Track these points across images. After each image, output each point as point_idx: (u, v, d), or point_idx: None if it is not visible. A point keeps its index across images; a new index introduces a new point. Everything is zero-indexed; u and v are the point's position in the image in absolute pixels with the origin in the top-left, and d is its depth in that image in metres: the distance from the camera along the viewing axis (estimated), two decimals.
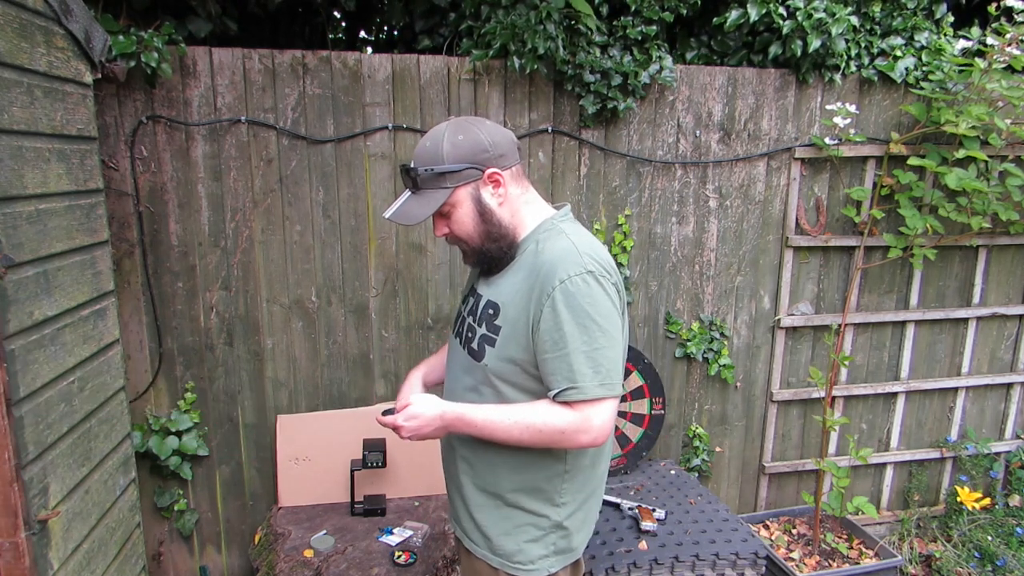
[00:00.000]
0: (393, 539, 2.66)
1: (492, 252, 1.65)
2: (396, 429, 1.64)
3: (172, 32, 2.53)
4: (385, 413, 1.71)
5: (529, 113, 2.95)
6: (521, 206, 1.66)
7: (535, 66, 2.77)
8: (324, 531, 2.71)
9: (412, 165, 1.61)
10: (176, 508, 2.90)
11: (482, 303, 1.69)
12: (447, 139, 1.58)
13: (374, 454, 2.80)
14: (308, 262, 2.87)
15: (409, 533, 2.70)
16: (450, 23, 3.08)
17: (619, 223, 3.11)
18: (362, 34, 3.89)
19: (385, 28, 3.81)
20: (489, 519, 1.72)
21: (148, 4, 2.66)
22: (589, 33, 2.86)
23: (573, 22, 2.82)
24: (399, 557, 2.54)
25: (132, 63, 2.44)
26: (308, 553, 2.57)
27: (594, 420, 1.52)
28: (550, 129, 2.97)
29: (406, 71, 2.82)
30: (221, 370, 2.87)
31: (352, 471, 2.83)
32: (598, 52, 2.89)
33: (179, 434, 2.82)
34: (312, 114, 2.77)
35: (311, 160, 2.80)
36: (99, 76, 2.22)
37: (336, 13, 3.73)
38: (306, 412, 2.97)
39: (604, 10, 2.91)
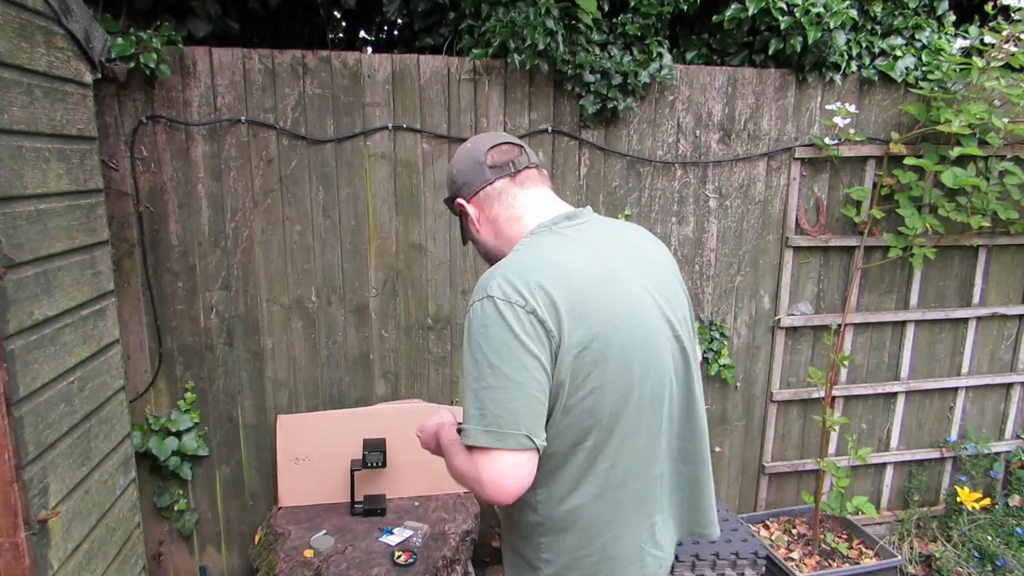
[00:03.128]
0: (393, 539, 2.66)
1: (491, 263, 1.59)
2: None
3: (171, 33, 2.53)
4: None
5: (529, 113, 2.95)
6: (504, 225, 1.53)
7: (535, 62, 2.76)
8: (324, 531, 2.71)
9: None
10: (176, 508, 2.90)
11: None
12: (456, 165, 1.60)
13: (374, 454, 2.80)
14: (308, 262, 2.87)
15: (409, 533, 2.70)
16: (450, 22, 3.08)
17: None
18: (362, 34, 3.89)
19: (385, 28, 3.81)
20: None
21: (149, 5, 2.66)
22: (589, 31, 2.86)
23: (573, 21, 2.82)
24: (399, 557, 2.54)
25: (132, 63, 2.44)
26: (308, 553, 2.56)
27: (482, 471, 1.29)
28: (550, 129, 2.97)
29: (406, 71, 2.82)
30: (221, 370, 2.87)
31: (352, 471, 2.83)
32: (598, 51, 2.89)
33: (179, 434, 2.83)
34: (312, 114, 2.77)
35: (311, 160, 2.80)
36: (99, 76, 2.23)
37: (336, 13, 3.73)
38: (306, 412, 2.97)
39: (605, 7, 2.91)
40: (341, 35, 3.85)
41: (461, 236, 1.68)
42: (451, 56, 2.88)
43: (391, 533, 2.70)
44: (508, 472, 1.28)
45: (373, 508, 2.84)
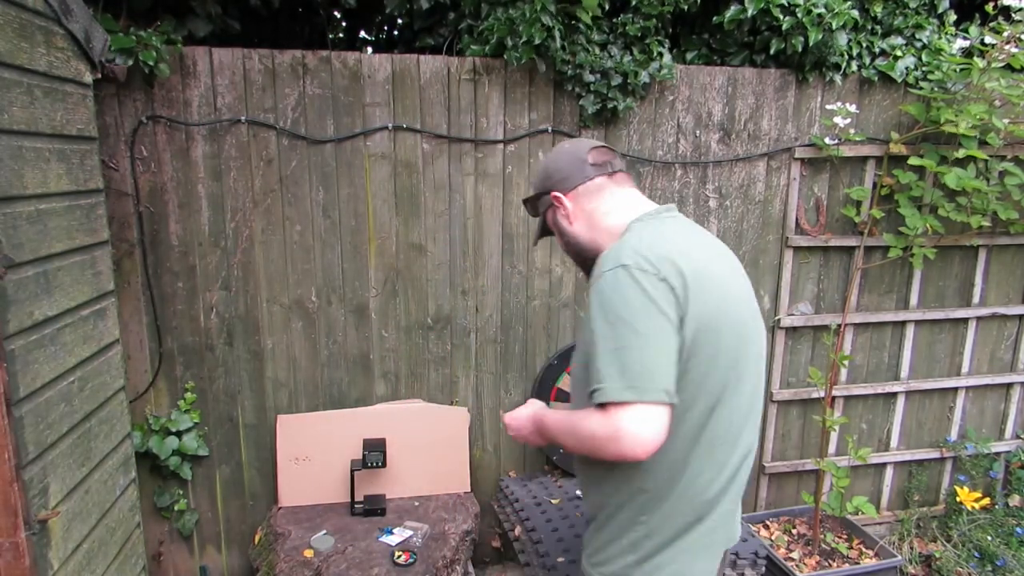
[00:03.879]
0: (393, 539, 2.66)
1: (580, 264, 1.74)
2: (504, 422, 1.76)
3: (170, 31, 2.53)
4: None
5: (529, 113, 2.95)
6: (600, 219, 1.66)
7: (531, 56, 2.75)
8: (324, 531, 2.71)
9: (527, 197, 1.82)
10: (176, 508, 2.90)
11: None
12: (544, 170, 1.74)
13: (374, 454, 2.80)
14: (308, 262, 2.87)
15: (409, 533, 2.70)
16: (450, 22, 3.08)
17: None
18: (362, 34, 3.89)
19: (385, 28, 3.81)
20: (602, 540, 1.63)
21: (149, 5, 2.66)
22: (588, 31, 2.86)
23: (572, 20, 2.82)
24: (399, 557, 2.54)
25: (130, 61, 2.45)
26: (308, 553, 2.57)
27: (622, 426, 1.35)
28: (550, 129, 2.97)
29: (406, 71, 2.82)
30: (221, 370, 2.87)
31: (352, 471, 2.83)
32: (598, 51, 2.89)
33: (179, 434, 2.83)
34: (312, 114, 2.77)
35: (311, 160, 2.80)
36: (99, 76, 2.23)
37: (336, 13, 3.73)
38: (306, 412, 2.97)
39: (606, 6, 2.91)
40: (341, 35, 3.85)
41: (540, 231, 1.81)
42: (451, 56, 2.88)
43: (391, 533, 2.70)
44: (648, 425, 1.36)
45: (373, 508, 2.84)
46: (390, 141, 2.86)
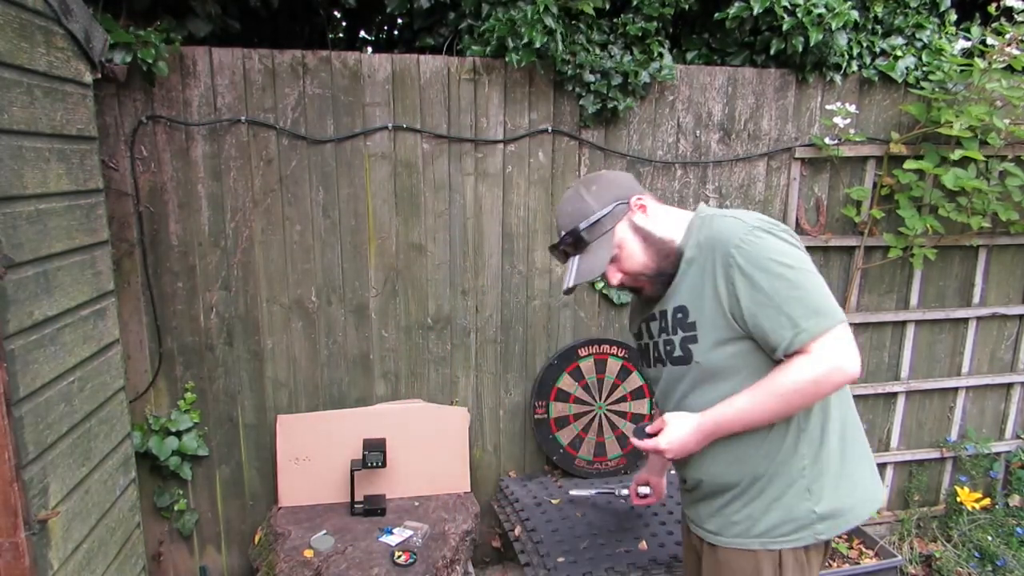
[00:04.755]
0: (393, 539, 2.66)
1: (668, 269, 1.68)
2: (658, 450, 1.68)
3: (168, 30, 2.53)
4: (637, 434, 1.75)
5: (529, 113, 2.94)
6: (664, 217, 1.72)
7: (531, 59, 2.75)
8: (324, 531, 2.71)
9: (567, 231, 1.71)
10: (176, 508, 2.90)
11: (668, 316, 1.71)
12: (585, 195, 1.71)
13: (374, 454, 2.80)
14: (308, 262, 2.87)
15: (409, 533, 2.70)
16: (450, 22, 3.08)
17: None
18: (362, 34, 3.89)
19: (385, 28, 3.81)
20: (764, 505, 1.71)
21: (148, 5, 2.66)
22: (589, 31, 2.85)
23: (573, 20, 2.82)
24: (399, 557, 2.54)
25: (128, 59, 2.44)
26: (308, 553, 2.57)
27: (840, 350, 1.51)
28: (550, 129, 2.97)
29: (406, 71, 2.82)
30: (221, 370, 2.87)
31: (352, 471, 2.83)
32: (598, 51, 2.89)
33: (179, 434, 2.83)
34: (312, 114, 2.77)
35: (311, 160, 2.80)
36: (99, 76, 2.23)
37: (336, 13, 3.72)
38: (306, 412, 2.97)
39: (606, 6, 2.91)
40: (341, 35, 3.85)
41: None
42: (451, 56, 2.88)
43: (391, 533, 2.70)
44: (851, 340, 1.53)
45: (373, 508, 2.84)
46: (390, 141, 2.86)
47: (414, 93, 2.84)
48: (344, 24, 3.85)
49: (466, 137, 2.91)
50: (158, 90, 2.61)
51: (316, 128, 2.78)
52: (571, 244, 1.70)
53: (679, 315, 1.67)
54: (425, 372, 3.08)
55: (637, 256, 1.69)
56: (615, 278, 1.73)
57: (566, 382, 3.13)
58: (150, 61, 2.45)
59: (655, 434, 1.69)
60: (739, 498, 1.71)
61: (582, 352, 3.12)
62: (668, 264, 1.68)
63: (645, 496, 2.27)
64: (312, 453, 2.91)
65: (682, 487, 1.91)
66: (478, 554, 3.26)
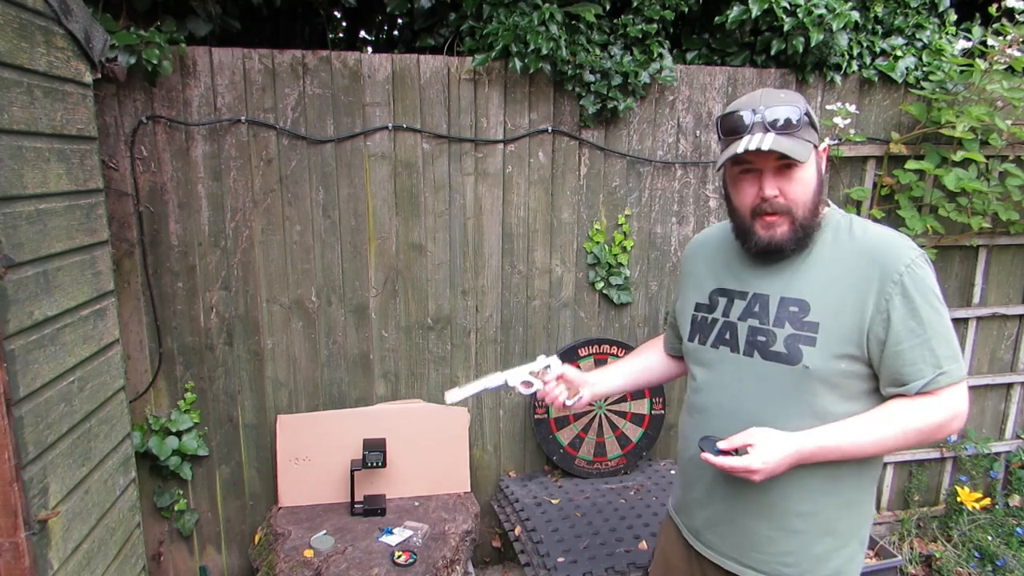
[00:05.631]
0: (393, 539, 2.66)
1: (808, 228, 1.51)
2: (748, 472, 1.44)
3: (173, 31, 2.53)
4: (707, 447, 1.49)
5: (529, 113, 2.94)
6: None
7: (538, 66, 2.76)
8: (324, 531, 2.71)
9: (800, 107, 1.48)
10: (176, 508, 2.90)
11: (772, 302, 1.55)
12: (804, 103, 1.51)
13: (374, 454, 2.80)
14: (308, 262, 2.87)
15: (409, 533, 2.70)
16: (451, 23, 3.08)
17: (619, 223, 3.11)
18: (362, 34, 3.88)
19: (385, 28, 3.81)
20: (832, 558, 1.58)
21: (149, 5, 2.66)
22: (589, 32, 2.85)
23: (573, 21, 2.82)
24: (399, 557, 2.54)
25: (132, 60, 2.44)
26: (308, 553, 2.57)
27: (963, 401, 1.47)
28: (550, 129, 2.97)
29: (406, 71, 2.82)
30: (221, 370, 2.87)
31: (352, 471, 2.83)
32: (598, 51, 2.89)
33: (179, 434, 2.83)
34: (312, 114, 2.77)
35: (311, 160, 2.80)
36: (99, 76, 2.22)
37: (336, 13, 3.72)
38: (306, 412, 2.97)
39: (606, 5, 2.91)
40: (341, 35, 3.85)
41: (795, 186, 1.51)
42: (451, 56, 2.88)
43: (391, 533, 2.70)
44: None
45: (373, 508, 2.84)
46: (390, 141, 2.85)
47: (414, 93, 2.84)
48: (344, 24, 3.84)
49: (466, 137, 2.91)
50: (158, 90, 2.61)
51: (316, 128, 2.78)
52: (792, 122, 1.46)
53: (793, 308, 1.52)
54: (425, 372, 3.08)
55: (807, 187, 1.49)
56: (771, 189, 1.49)
57: None
58: (155, 62, 2.45)
59: (732, 451, 1.47)
60: (800, 535, 1.54)
61: (582, 352, 3.12)
62: (811, 224, 1.51)
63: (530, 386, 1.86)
64: (312, 453, 2.91)
65: (700, 502, 1.68)
66: (478, 554, 3.26)
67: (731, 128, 1.50)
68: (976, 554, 3.38)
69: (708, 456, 1.47)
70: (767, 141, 1.43)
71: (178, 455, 2.83)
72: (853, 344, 1.47)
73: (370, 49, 3.80)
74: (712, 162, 3.14)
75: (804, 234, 1.51)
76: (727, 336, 1.61)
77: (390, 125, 2.83)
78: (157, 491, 2.87)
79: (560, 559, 2.58)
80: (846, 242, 1.52)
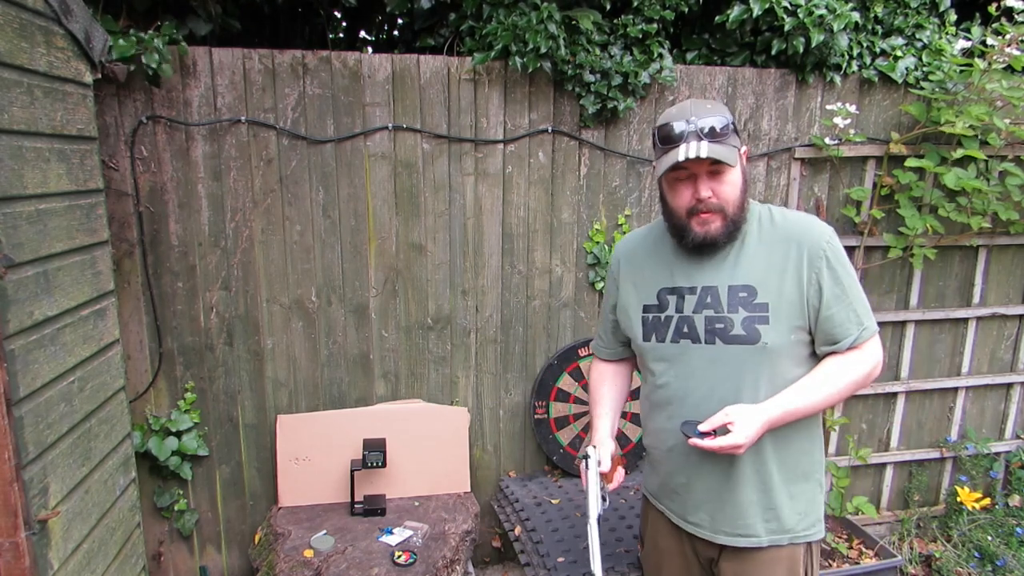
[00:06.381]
0: (393, 539, 2.66)
1: (738, 222, 1.70)
2: (735, 448, 1.59)
3: (173, 32, 2.53)
4: (690, 432, 1.62)
5: (529, 113, 2.95)
6: None
7: (537, 65, 2.77)
8: (324, 531, 2.71)
9: (727, 118, 1.66)
10: (176, 508, 2.90)
11: (722, 292, 1.72)
12: (728, 112, 1.69)
13: (374, 454, 2.80)
14: (308, 262, 2.87)
15: (409, 533, 2.70)
16: (451, 23, 3.08)
17: (619, 223, 3.11)
18: (362, 34, 3.89)
19: (385, 27, 3.81)
20: (804, 501, 1.79)
21: (149, 5, 2.66)
22: (589, 32, 2.85)
23: (573, 21, 2.82)
24: (399, 557, 2.54)
25: (133, 67, 2.45)
26: (308, 553, 2.57)
27: (880, 351, 1.73)
28: (550, 129, 2.97)
29: (406, 71, 2.82)
30: (221, 370, 2.87)
31: (352, 471, 2.83)
32: (598, 51, 2.89)
33: (179, 434, 2.83)
34: (312, 114, 2.77)
35: (311, 160, 2.80)
36: (99, 76, 2.23)
37: (336, 13, 3.72)
38: (306, 412, 2.97)
39: (607, 5, 2.91)
40: (341, 35, 3.85)
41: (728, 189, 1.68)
42: (451, 56, 2.88)
43: (391, 533, 2.70)
44: None
45: (373, 508, 2.84)
46: (390, 141, 2.86)
47: (414, 93, 2.84)
48: (344, 24, 3.85)
49: (466, 137, 2.91)
50: (158, 90, 2.61)
51: (316, 128, 2.78)
52: (720, 130, 1.63)
53: (743, 294, 1.70)
54: (425, 372, 3.08)
55: (735, 188, 1.68)
56: (704, 191, 1.65)
57: (566, 382, 3.13)
58: (155, 66, 2.45)
59: (713, 432, 1.61)
60: (774, 490, 1.73)
61: (582, 352, 3.12)
62: (740, 219, 1.70)
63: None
64: (312, 453, 2.91)
65: (686, 487, 1.80)
66: (478, 554, 3.26)
67: (668, 137, 1.67)
68: (976, 554, 3.38)
69: (696, 441, 1.61)
70: (703, 149, 1.59)
71: (178, 455, 2.83)
72: (797, 316, 1.68)
73: (370, 49, 3.81)
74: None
75: (734, 228, 1.70)
76: (685, 329, 1.76)
77: (390, 125, 2.83)
78: (157, 491, 2.87)
79: (560, 559, 2.58)
80: (770, 229, 1.73)
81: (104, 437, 2.20)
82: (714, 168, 1.65)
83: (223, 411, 2.91)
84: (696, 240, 1.70)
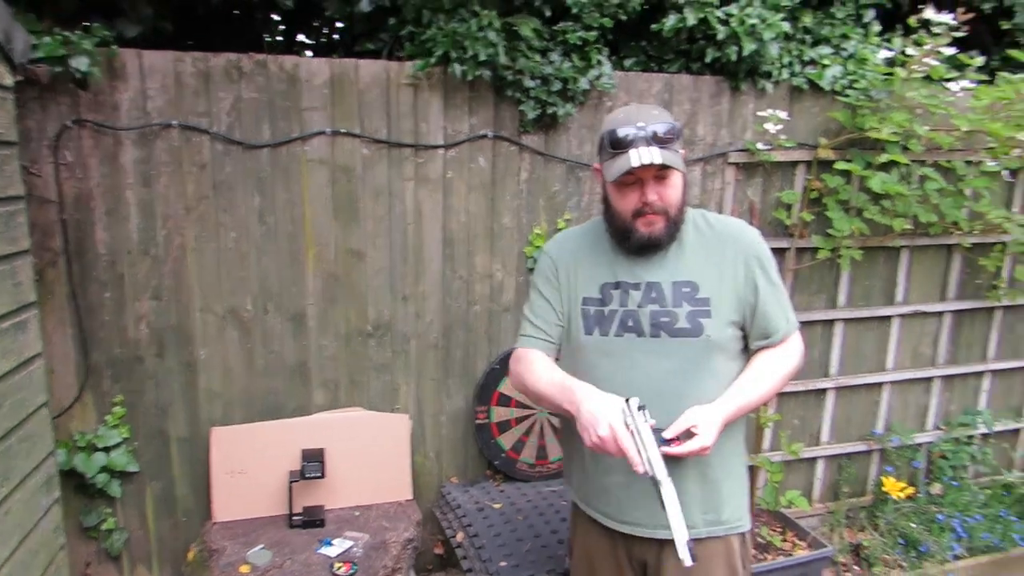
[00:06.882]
0: (333, 550, 2.62)
1: (678, 223, 1.77)
2: (703, 450, 1.61)
3: (104, 33, 2.43)
4: (660, 442, 1.55)
5: (469, 118, 2.94)
6: None
7: (477, 72, 2.77)
8: (261, 545, 2.65)
9: (672, 124, 1.70)
10: (104, 527, 2.79)
11: (666, 287, 1.79)
12: (671, 117, 1.75)
13: (313, 464, 2.76)
14: (243, 270, 2.81)
15: (349, 543, 2.67)
16: (390, 28, 3.05)
17: (559, 227, 3.13)
18: (301, 37, 3.81)
19: (325, 31, 3.74)
20: (736, 495, 1.86)
21: (75, 6, 2.54)
22: (529, 39, 2.87)
23: (513, 27, 2.83)
24: (339, 568, 2.51)
25: (59, 68, 2.34)
26: (244, 569, 2.51)
27: (801, 343, 1.87)
28: (490, 134, 2.97)
29: (345, 76, 2.78)
30: (152, 383, 2.78)
31: (290, 482, 2.78)
32: (538, 57, 2.90)
33: (107, 450, 2.72)
34: (248, 119, 2.70)
35: (246, 165, 2.73)
36: (20, 78, 2.12)
37: (275, 16, 3.63)
38: (242, 424, 2.89)
39: (546, 12, 2.92)
40: (280, 38, 3.76)
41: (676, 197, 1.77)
42: (391, 61, 2.85)
43: (331, 544, 2.66)
44: None
45: (312, 520, 2.79)
46: (328, 146, 2.81)
47: (353, 98, 2.80)
48: (282, 28, 3.76)
49: (406, 142, 2.88)
50: (85, 93, 2.51)
51: (252, 133, 2.71)
52: (666, 135, 1.67)
53: (686, 289, 1.78)
54: (365, 380, 3.04)
55: (677, 191, 1.75)
56: (651, 195, 1.71)
57: (507, 386, 3.14)
58: (84, 69, 2.34)
59: (677, 438, 1.61)
60: (713, 483, 1.80)
61: None
62: (682, 218, 1.79)
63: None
64: (248, 466, 2.84)
65: (622, 484, 1.78)
66: (420, 562, 3.24)
67: (618, 142, 1.69)
68: (901, 541, 3.53)
69: (667, 449, 1.58)
70: (655, 155, 1.64)
71: (106, 472, 2.72)
72: (734, 311, 1.79)
73: (310, 53, 3.73)
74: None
75: (676, 229, 1.77)
76: (630, 324, 1.79)
77: (328, 130, 2.79)
78: (84, 510, 2.76)
79: (502, 563, 2.59)
80: (707, 230, 1.84)
81: (25, 455, 2.10)
82: (661, 173, 1.70)
83: (154, 425, 2.82)
84: (641, 241, 1.76)
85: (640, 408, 1.57)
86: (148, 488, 2.85)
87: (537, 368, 1.84)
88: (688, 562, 1.46)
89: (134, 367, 2.75)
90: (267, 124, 2.72)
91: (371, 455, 2.96)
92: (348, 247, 2.91)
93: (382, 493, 2.99)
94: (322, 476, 2.77)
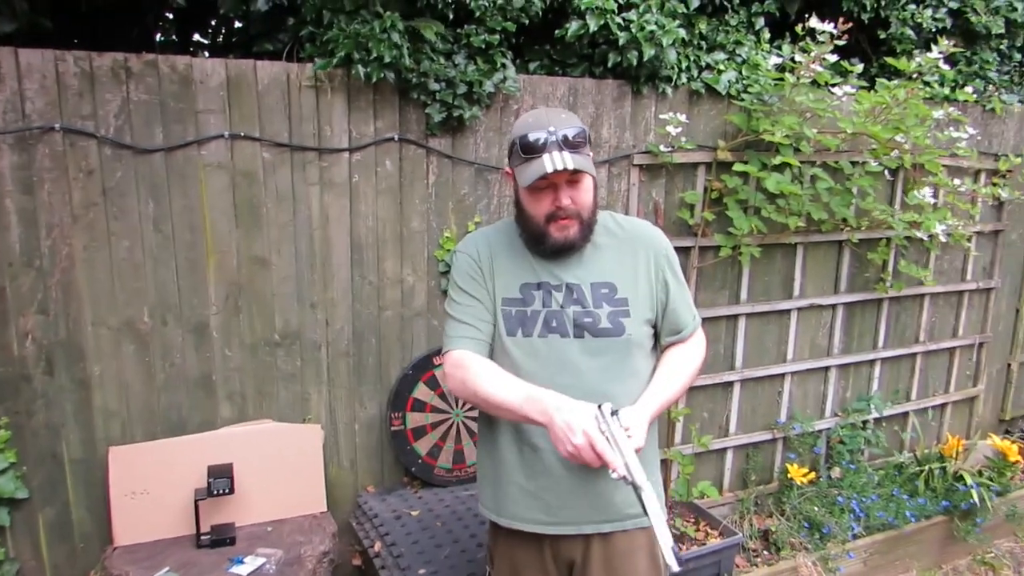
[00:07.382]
0: (244, 568, 2.53)
1: (591, 225, 1.80)
2: (639, 450, 1.55)
3: None
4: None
5: (375, 121, 2.90)
6: None
7: (381, 75, 2.74)
8: (167, 568, 2.53)
9: (582, 128, 1.72)
10: None
11: (585, 288, 1.81)
12: (580, 121, 1.77)
13: (220, 480, 2.65)
14: (139, 280, 2.68)
15: (262, 560, 2.58)
16: (290, 28, 2.97)
17: (469, 230, 3.13)
18: (196, 37, 3.67)
19: (222, 31, 3.62)
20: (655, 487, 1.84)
21: None
22: (433, 42, 2.86)
23: (417, 30, 2.81)
24: None
25: None
26: None
27: (704, 337, 1.98)
28: (396, 137, 2.94)
29: (242, 77, 2.69)
30: (41, 402, 2.61)
31: (196, 501, 2.66)
32: (442, 60, 2.90)
33: None
34: (138, 121, 2.58)
35: (138, 171, 2.61)
36: None
37: (168, 14, 3.49)
38: (142, 442, 2.75)
39: (449, 15, 2.92)
40: (174, 37, 3.61)
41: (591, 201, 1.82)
42: (291, 63, 2.79)
43: (242, 563, 2.56)
44: None
45: (222, 538, 2.68)
46: (227, 150, 2.72)
47: (252, 100, 2.72)
48: (176, 26, 3.62)
49: (309, 146, 2.82)
50: None
51: (143, 136, 2.59)
52: (576, 139, 1.69)
53: (604, 290, 1.82)
54: (274, 391, 2.95)
55: (589, 194, 1.78)
56: (564, 199, 1.73)
57: (422, 391, 3.11)
58: None
59: None
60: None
61: (436, 360, 3.11)
62: (594, 220, 1.82)
63: None
64: (150, 485, 2.71)
65: (547, 487, 1.79)
66: (338, 575, 3.17)
67: (530, 147, 1.70)
68: (805, 524, 3.70)
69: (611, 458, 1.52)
70: (568, 160, 1.66)
71: None
72: (648, 310, 1.85)
73: (206, 53, 3.60)
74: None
75: (589, 231, 1.80)
76: (554, 324, 1.80)
77: (226, 133, 2.70)
78: None
79: (421, 571, 2.57)
80: (618, 232, 1.89)
81: None
82: (574, 177, 1.73)
83: (45, 447, 2.64)
84: (556, 245, 1.78)
85: (613, 413, 1.55)
86: (40, 515, 2.67)
87: (488, 375, 1.74)
88: (675, 567, 1.35)
89: (20, 387, 2.57)
90: (160, 127, 2.61)
91: (283, 468, 2.88)
92: (252, 254, 2.82)
93: (296, 506, 2.91)
94: (231, 492, 2.66)
